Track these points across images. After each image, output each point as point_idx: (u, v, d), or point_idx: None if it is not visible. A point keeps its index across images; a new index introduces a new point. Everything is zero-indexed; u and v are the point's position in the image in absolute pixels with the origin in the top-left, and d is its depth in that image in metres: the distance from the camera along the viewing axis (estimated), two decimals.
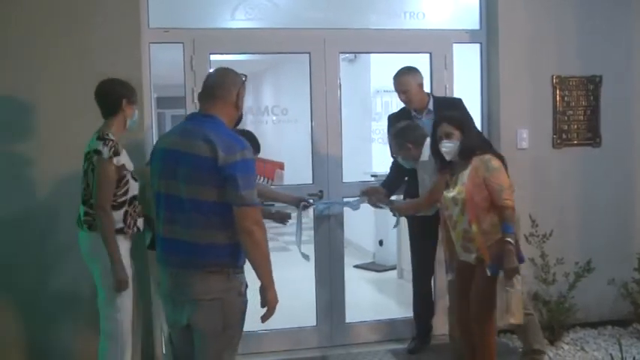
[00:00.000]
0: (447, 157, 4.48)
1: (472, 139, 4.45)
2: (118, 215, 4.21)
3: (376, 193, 5.43)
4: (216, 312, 3.37)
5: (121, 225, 4.23)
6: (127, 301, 4.27)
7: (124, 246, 4.24)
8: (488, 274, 4.25)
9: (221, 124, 3.39)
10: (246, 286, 3.49)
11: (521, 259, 4.29)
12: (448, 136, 4.44)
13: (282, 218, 5.27)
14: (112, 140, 4.16)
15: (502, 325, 4.30)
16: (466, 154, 4.38)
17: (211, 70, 3.70)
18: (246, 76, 3.58)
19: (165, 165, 3.40)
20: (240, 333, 3.55)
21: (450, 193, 4.44)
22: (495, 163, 4.30)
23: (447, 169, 4.55)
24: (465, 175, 4.35)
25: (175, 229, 3.37)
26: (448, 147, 4.44)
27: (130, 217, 4.27)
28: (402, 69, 5.45)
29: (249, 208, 3.26)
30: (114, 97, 4.29)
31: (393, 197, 5.60)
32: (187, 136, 3.36)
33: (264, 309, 3.41)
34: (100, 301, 4.33)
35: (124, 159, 4.20)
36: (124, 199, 4.25)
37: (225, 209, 3.27)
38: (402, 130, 5.15)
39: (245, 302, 3.49)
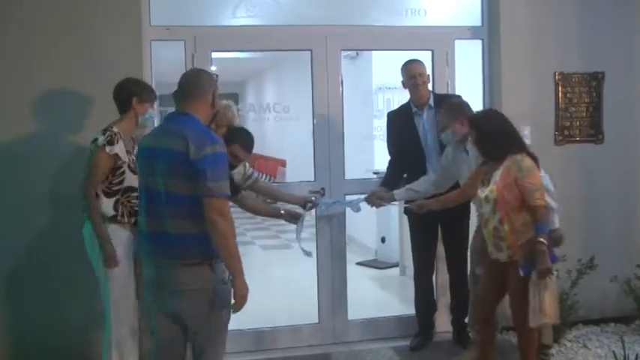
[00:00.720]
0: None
1: (495, 143, 4.41)
2: (109, 202, 4.36)
3: (378, 197, 5.42)
4: (202, 301, 3.52)
5: (113, 213, 4.36)
6: (118, 283, 4.36)
7: (119, 235, 4.37)
8: (521, 274, 4.26)
9: (196, 121, 3.55)
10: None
11: (553, 258, 4.31)
12: (470, 135, 4.56)
13: (293, 217, 5.20)
14: (111, 131, 4.33)
15: (534, 325, 4.28)
16: (493, 158, 4.43)
17: (185, 71, 3.89)
18: (217, 75, 3.81)
19: (146, 162, 3.61)
20: (227, 319, 3.69)
21: (483, 192, 4.46)
22: (528, 162, 4.31)
23: (485, 165, 4.57)
24: (498, 174, 4.37)
25: (156, 222, 3.53)
26: (474, 150, 4.61)
27: (121, 206, 4.39)
28: (413, 58, 5.49)
29: (214, 199, 3.41)
30: (125, 95, 4.46)
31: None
32: (165, 133, 3.58)
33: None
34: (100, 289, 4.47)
35: (117, 149, 4.32)
36: (117, 187, 4.38)
37: (199, 201, 3.42)
38: (461, 105, 5.12)
39: (229, 290, 3.58)
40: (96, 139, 4.31)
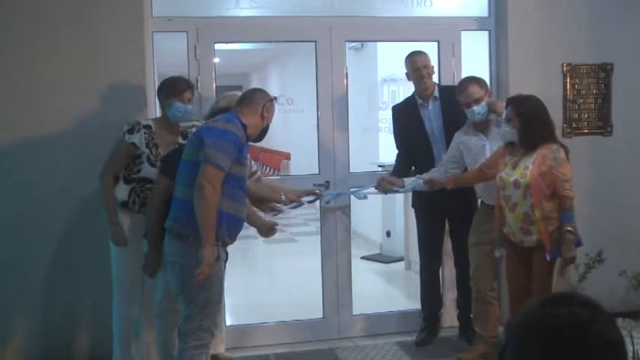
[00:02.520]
0: (502, 140, 4.67)
1: (536, 129, 4.48)
2: (125, 188, 4.60)
3: (388, 182, 5.37)
4: (175, 275, 3.92)
5: (125, 199, 4.60)
6: (123, 262, 4.64)
7: (124, 221, 4.60)
8: (548, 259, 4.43)
9: (235, 117, 3.98)
10: (220, 258, 3.90)
11: (578, 243, 4.49)
12: (508, 120, 4.54)
13: (296, 196, 5.16)
14: (137, 121, 4.63)
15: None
16: (530, 143, 4.49)
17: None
18: (276, 97, 4.32)
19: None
20: (206, 299, 3.90)
21: (512, 176, 4.51)
22: (562, 154, 4.45)
23: (506, 148, 4.67)
24: (530, 161, 4.46)
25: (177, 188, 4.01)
26: (506, 132, 4.58)
27: (134, 194, 4.60)
28: (416, 50, 5.47)
29: (209, 165, 3.74)
30: (158, 95, 4.77)
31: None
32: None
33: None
34: None
35: (136, 138, 4.55)
36: (134, 176, 4.59)
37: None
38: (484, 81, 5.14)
39: (212, 270, 3.79)
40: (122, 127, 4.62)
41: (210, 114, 4.63)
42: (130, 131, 4.54)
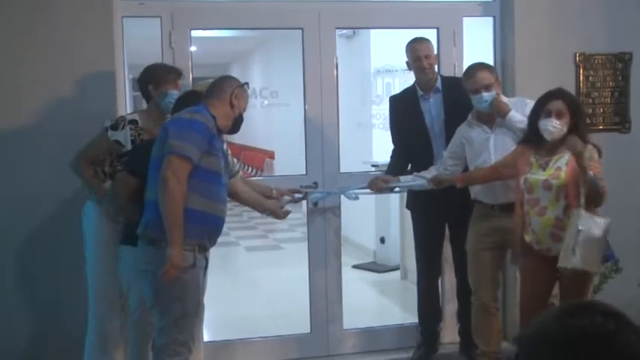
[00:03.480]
0: (547, 137, 4.50)
1: (585, 127, 4.52)
2: (108, 186, 4.61)
3: (383, 180, 5.33)
4: (149, 283, 3.90)
5: None
6: (101, 268, 4.63)
7: (104, 223, 4.59)
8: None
9: (204, 108, 4.01)
10: (196, 265, 3.90)
11: (611, 256, 4.66)
12: (559, 115, 4.46)
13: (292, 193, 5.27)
14: (123, 116, 4.70)
15: (562, 265, 4.31)
16: (582, 141, 4.43)
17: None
18: (247, 83, 4.31)
19: None
20: (181, 310, 3.90)
21: (541, 176, 4.48)
22: (596, 156, 4.42)
23: (525, 145, 4.62)
24: (563, 161, 4.43)
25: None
26: (556, 128, 4.46)
27: None
28: (418, 37, 5.43)
29: (172, 156, 3.75)
30: (142, 85, 4.75)
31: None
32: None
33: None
34: None
35: (120, 136, 4.54)
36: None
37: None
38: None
39: (187, 278, 3.84)
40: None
41: (175, 104, 4.55)
42: (114, 127, 4.54)
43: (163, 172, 3.71)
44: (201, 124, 3.83)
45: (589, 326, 1.43)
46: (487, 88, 4.89)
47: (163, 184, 3.70)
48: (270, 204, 4.94)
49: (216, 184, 3.97)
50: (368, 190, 5.39)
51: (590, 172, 4.23)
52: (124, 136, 4.53)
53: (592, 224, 4.26)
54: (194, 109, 3.95)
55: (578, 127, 4.45)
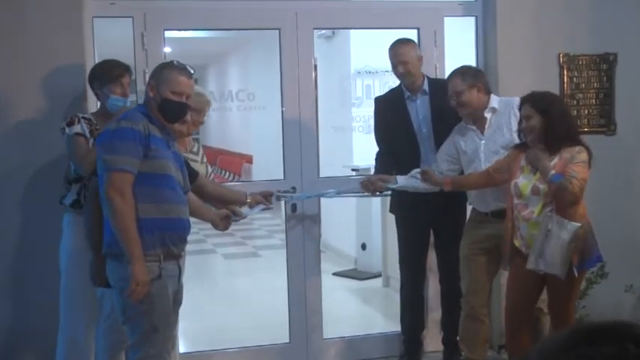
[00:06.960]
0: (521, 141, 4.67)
1: (559, 127, 4.50)
2: (74, 187, 4.58)
3: (381, 179, 5.29)
4: (117, 300, 3.91)
5: (75, 197, 4.57)
6: (75, 272, 4.53)
7: (79, 223, 4.42)
8: (576, 274, 4.43)
9: (135, 109, 4.03)
10: (162, 275, 3.85)
11: (599, 260, 4.72)
12: (527, 119, 4.54)
13: (265, 197, 4.94)
14: (74, 114, 4.58)
15: (531, 268, 4.41)
16: (553, 144, 4.49)
17: None
18: (173, 61, 4.21)
19: None
20: (150, 324, 3.86)
21: (530, 182, 4.51)
22: (583, 156, 4.47)
23: (519, 149, 4.68)
24: (550, 165, 4.45)
25: None
26: (519, 133, 4.65)
27: (85, 191, 4.47)
28: (399, 39, 5.41)
29: (110, 173, 3.71)
30: (90, 83, 4.73)
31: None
32: None
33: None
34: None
35: (77, 128, 4.49)
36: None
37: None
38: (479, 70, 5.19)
39: (154, 291, 3.80)
40: (62, 128, 4.54)
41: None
42: (70, 124, 4.49)
43: (105, 193, 3.69)
44: (128, 131, 3.74)
45: (618, 357, 1.10)
46: (458, 95, 4.94)
47: (108, 205, 3.69)
48: (212, 215, 4.63)
49: (166, 186, 3.88)
50: (361, 192, 5.38)
51: (552, 171, 4.33)
52: (82, 128, 4.49)
53: (560, 228, 4.31)
54: (123, 115, 3.93)
55: (553, 127, 4.47)
